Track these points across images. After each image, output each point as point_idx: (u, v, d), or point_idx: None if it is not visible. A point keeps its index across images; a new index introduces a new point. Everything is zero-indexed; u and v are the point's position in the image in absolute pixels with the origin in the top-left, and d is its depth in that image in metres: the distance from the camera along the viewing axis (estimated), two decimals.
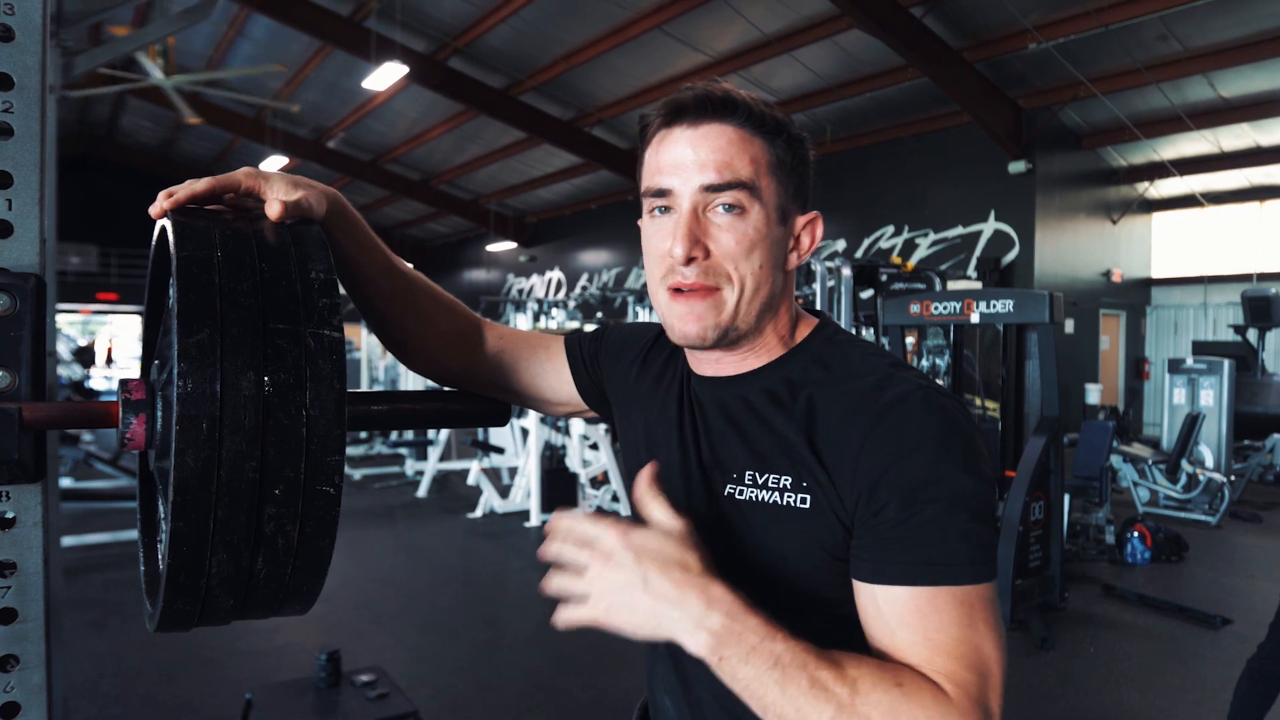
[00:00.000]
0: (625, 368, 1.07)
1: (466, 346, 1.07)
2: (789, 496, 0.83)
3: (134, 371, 24.47)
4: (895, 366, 0.85)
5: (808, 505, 0.82)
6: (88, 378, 11.40)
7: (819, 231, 0.92)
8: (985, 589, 0.74)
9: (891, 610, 0.75)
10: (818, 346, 0.91)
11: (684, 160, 0.84)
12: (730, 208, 0.84)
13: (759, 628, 0.70)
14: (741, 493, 0.86)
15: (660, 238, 0.87)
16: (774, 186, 0.86)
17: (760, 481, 0.85)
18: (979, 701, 0.70)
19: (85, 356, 11.44)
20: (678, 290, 0.86)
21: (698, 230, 0.84)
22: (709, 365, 0.94)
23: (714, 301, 0.85)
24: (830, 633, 0.81)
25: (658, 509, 0.77)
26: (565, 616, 0.76)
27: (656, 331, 1.07)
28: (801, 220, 0.91)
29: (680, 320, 0.87)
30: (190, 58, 13.34)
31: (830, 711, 0.67)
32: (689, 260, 0.84)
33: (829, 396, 0.85)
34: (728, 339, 0.88)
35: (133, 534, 5.92)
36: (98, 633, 4.26)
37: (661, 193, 0.86)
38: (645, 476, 0.79)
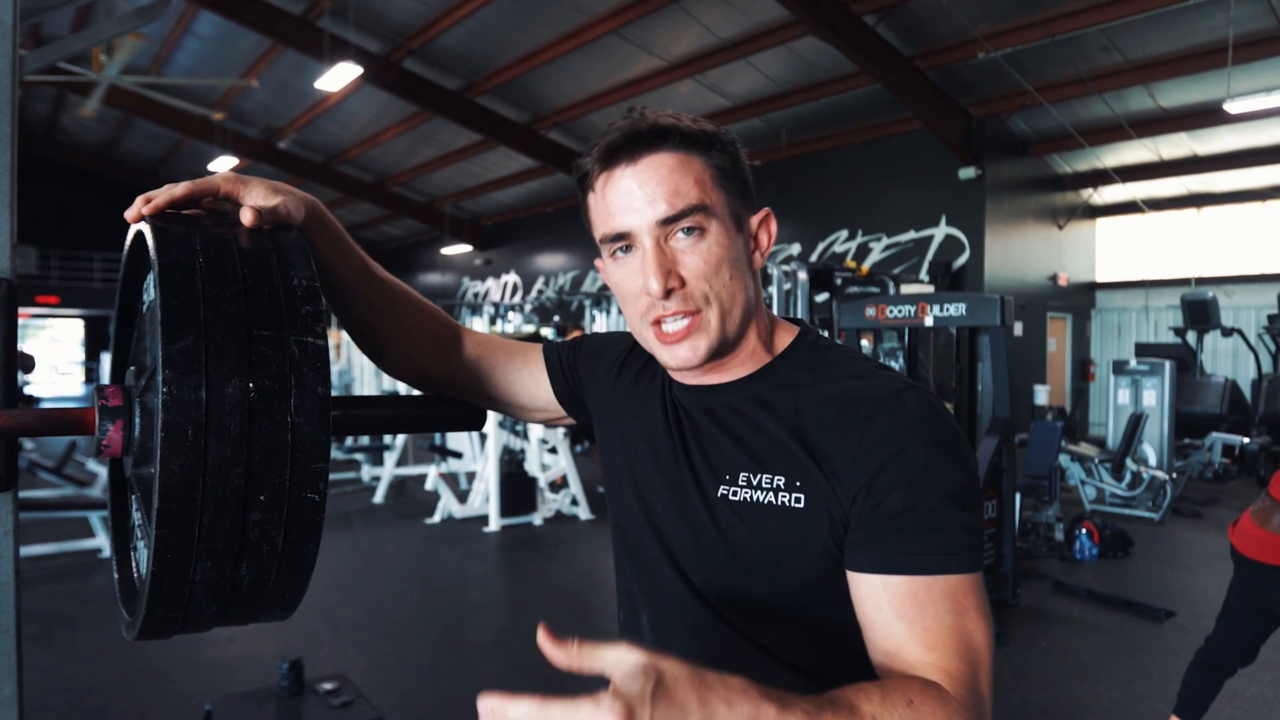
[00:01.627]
0: (603, 375, 1.08)
1: (444, 352, 1.08)
2: (783, 496, 0.83)
3: (77, 377, 23.68)
4: (880, 368, 0.88)
5: (802, 504, 0.82)
6: (27, 384, 11.05)
7: (773, 226, 0.94)
8: (976, 577, 0.77)
9: (890, 599, 0.76)
10: (801, 353, 0.92)
11: (633, 198, 0.84)
12: (690, 230, 0.84)
13: (781, 702, 0.63)
14: (735, 494, 0.86)
15: (631, 277, 0.87)
16: (723, 198, 0.87)
17: (755, 482, 0.85)
18: (973, 690, 0.72)
19: (25, 362, 11.11)
20: (661, 323, 0.87)
21: (666, 262, 0.84)
22: (694, 376, 0.94)
23: (699, 325, 0.86)
24: (823, 630, 0.84)
25: (606, 655, 0.65)
26: None
27: (632, 341, 1.07)
28: (755, 220, 0.92)
29: (672, 353, 0.88)
30: (135, 54, 13.01)
31: None
32: (667, 293, 0.85)
33: (818, 396, 0.86)
34: (720, 353, 0.89)
35: (78, 544, 5.77)
36: (43, 647, 4.13)
37: (620, 236, 0.86)
38: (546, 644, 0.67)
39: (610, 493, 1.05)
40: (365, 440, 9.23)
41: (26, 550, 5.58)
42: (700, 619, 0.89)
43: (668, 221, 0.84)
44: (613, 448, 1.04)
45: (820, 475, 0.82)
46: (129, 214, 0.79)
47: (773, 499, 0.84)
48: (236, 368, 0.68)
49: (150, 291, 0.82)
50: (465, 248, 19.73)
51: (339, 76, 10.50)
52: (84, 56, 10.31)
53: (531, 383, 1.12)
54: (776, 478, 0.84)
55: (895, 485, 0.77)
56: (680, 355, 0.87)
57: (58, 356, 23.21)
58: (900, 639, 0.75)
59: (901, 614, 0.75)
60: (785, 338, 0.94)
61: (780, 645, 0.86)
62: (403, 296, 1.05)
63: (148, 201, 0.79)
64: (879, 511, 0.78)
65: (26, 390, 10.74)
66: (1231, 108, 8.60)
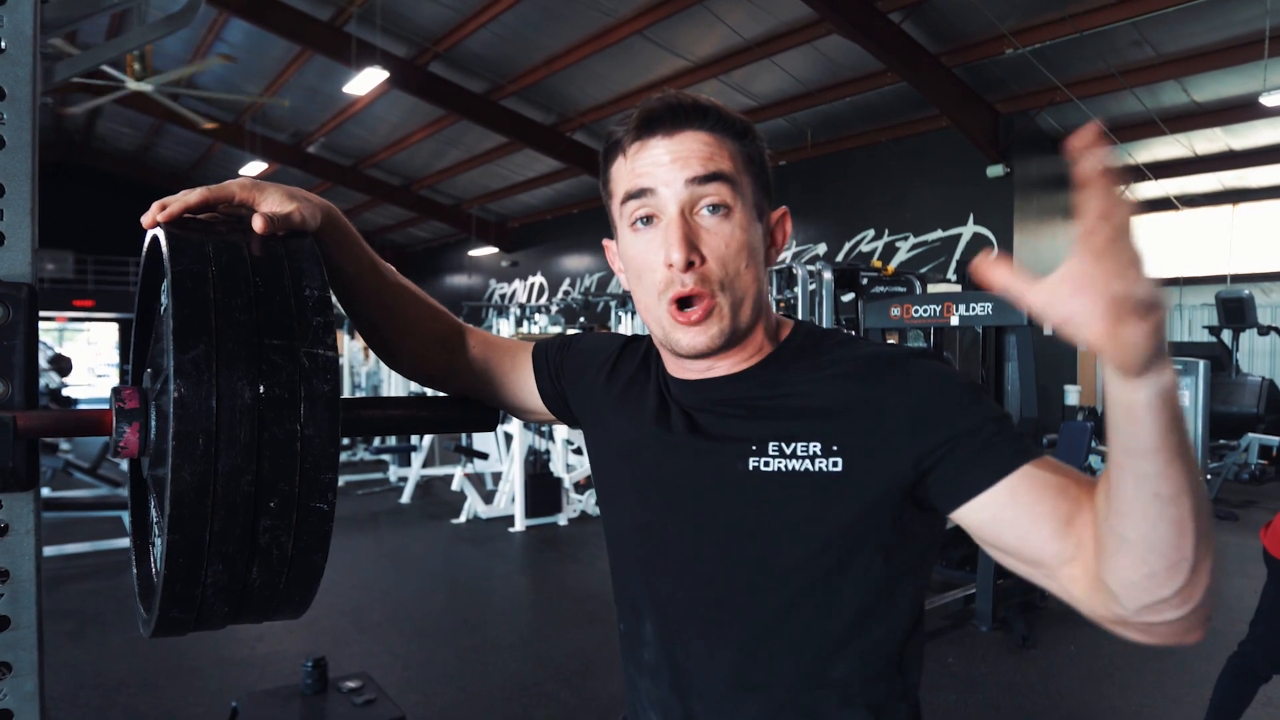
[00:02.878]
0: (591, 379, 1.06)
1: (446, 352, 1.09)
2: (820, 462, 0.82)
3: (112, 379, 24.14)
4: (880, 343, 0.91)
5: (840, 468, 0.81)
6: (64, 385, 11.26)
7: (789, 226, 0.95)
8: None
9: (1026, 491, 0.75)
10: (801, 340, 0.92)
11: (663, 163, 0.84)
12: (716, 208, 0.84)
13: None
14: (768, 464, 0.84)
15: (650, 250, 0.86)
16: (750, 184, 0.87)
17: (788, 451, 0.83)
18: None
19: (62, 364, 11.32)
20: (682, 302, 0.85)
21: (691, 235, 0.83)
22: (698, 370, 0.92)
23: (715, 310, 0.85)
24: (861, 596, 0.84)
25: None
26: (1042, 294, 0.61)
27: (622, 342, 1.07)
28: (774, 216, 0.93)
29: (688, 335, 0.86)
30: (167, 61, 13.24)
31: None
32: (688, 265, 0.83)
33: (836, 363, 0.86)
34: (733, 343, 0.88)
35: (111, 543, 5.87)
36: (76, 643, 4.21)
37: (642, 192, 0.85)
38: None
39: (606, 500, 1.03)
40: (393, 441, 9.33)
41: (61, 549, 5.70)
42: (716, 614, 0.88)
43: (697, 181, 0.83)
44: (609, 454, 1.02)
45: (860, 433, 0.81)
46: (145, 220, 0.81)
47: (809, 465, 0.82)
48: (247, 376, 0.69)
49: (166, 296, 0.83)
50: (492, 250, 19.83)
51: (366, 81, 10.62)
52: (118, 64, 10.50)
53: (520, 385, 1.11)
54: (812, 444, 0.83)
55: (963, 419, 0.78)
56: (695, 339, 0.85)
57: (94, 359, 23.66)
58: (1070, 503, 0.74)
59: (1042, 497, 0.75)
60: (784, 331, 0.95)
61: (797, 633, 0.84)
62: (410, 298, 1.06)
63: (163, 208, 0.80)
64: (964, 444, 0.77)
65: (64, 392, 10.95)
66: (1268, 101, 8.43)
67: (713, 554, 0.88)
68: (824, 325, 6.49)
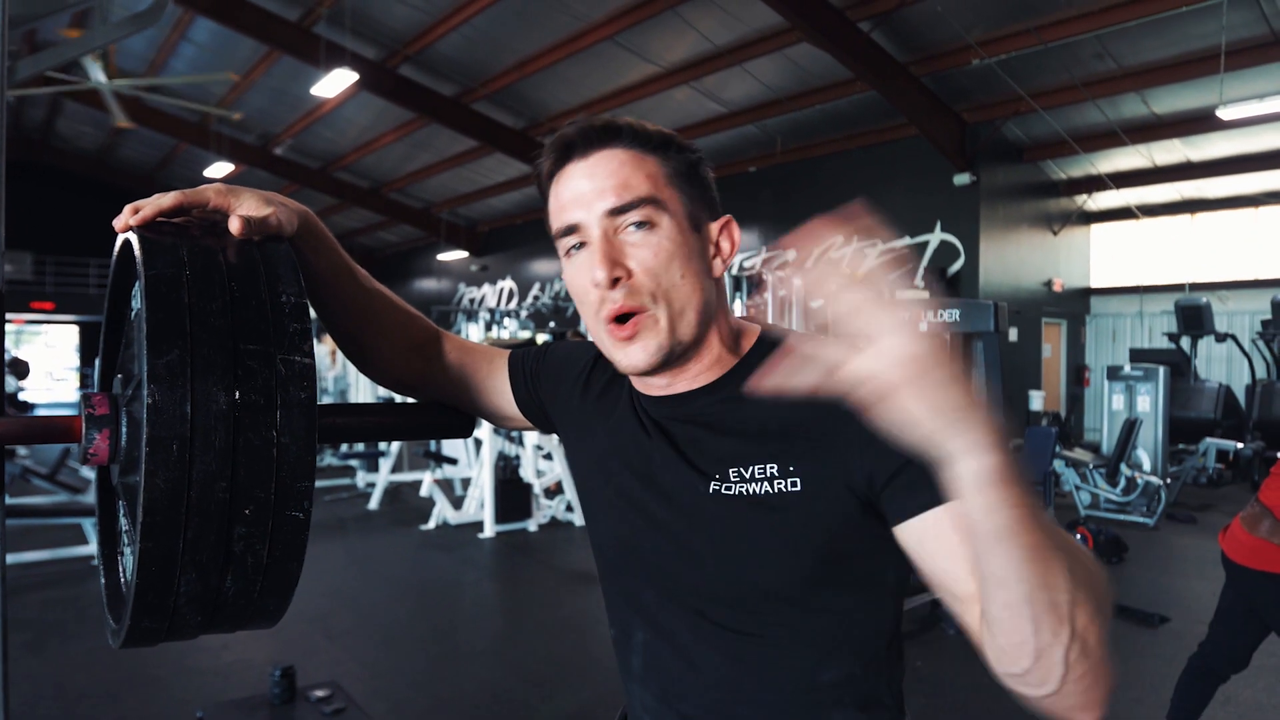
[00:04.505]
0: (568, 390, 1.06)
1: (423, 359, 1.08)
2: (779, 483, 0.82)
3: (72, 383, 23.60)
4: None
5: (799, 487, 0.81)
6: (21, 390, 11.00)
7: (736, 234, 0.93)
8: None
9: (951, 526, 0.74)
10: (765, 349, 0.91)
11: (582, 192, 0.85)
12: (640, 225, 0.84)
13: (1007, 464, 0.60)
14: (729, 488, 0.84)
15: (582, 273, 0.86)
16: (677, 196, 0.86)
17: (747, 475, 0.84)
18: None
19: (19, 368, 11.06)
20: (616, 320, 0.85)
21: (614, 253, 0.84)
22: (659, 387, 0.93)
23: (648, 322, 0.85)
24: (827, 618, 0.84)
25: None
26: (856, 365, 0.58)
27: (596, 353, 1.05)
28: (715, 226, 0.91)
29: (625, 353, 0.86)
30: (131, 60, 13.03)
31: (1067, 560, 0.64)
32: (614, 282, 0.84)
33: None
34: (674, 357, 0.87)
35: (71, 551, 5.75)
36: (35, 654, 4.12)
37: (571, 229, 0.86)
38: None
39: (587, 511, 1.03)
40: (360, 447, 9.23)
41: (19, 557, 5.56)
42: (701, 626, 0.88)
43: (615, 212, 0.84)
44: (587, 466, 1.02)
45: (815, 452, 0.81)
46: (117, 223, 0.79)
47: (769, 488, 0.82)
48: (222, 381, 0.68)
49: (137, 300, 0.82)
50: (461, 254, 19.73)
51: (335, 83, 10.50)
52: (77, 64, 10.30)
53: (497, 391, 1.11)
54: (769, 466, 0.83)
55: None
56: (632, 357, 0.85)
57: (52, 362, 23.14)
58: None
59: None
60: (748, 340, 0.93)
61: (784, 640, 0.85)
62: (385, 303, 1.05)
63: (136, 211, 0.79)
64: (909, 465, 0.75)
65: (20, 396, 10.70)
66: (1225, 114, 8.64)
67: (691, 572, 0.88)
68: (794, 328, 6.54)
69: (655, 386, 0.93)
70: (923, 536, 0.77)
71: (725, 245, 0.91)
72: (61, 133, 18.84)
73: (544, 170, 0.89)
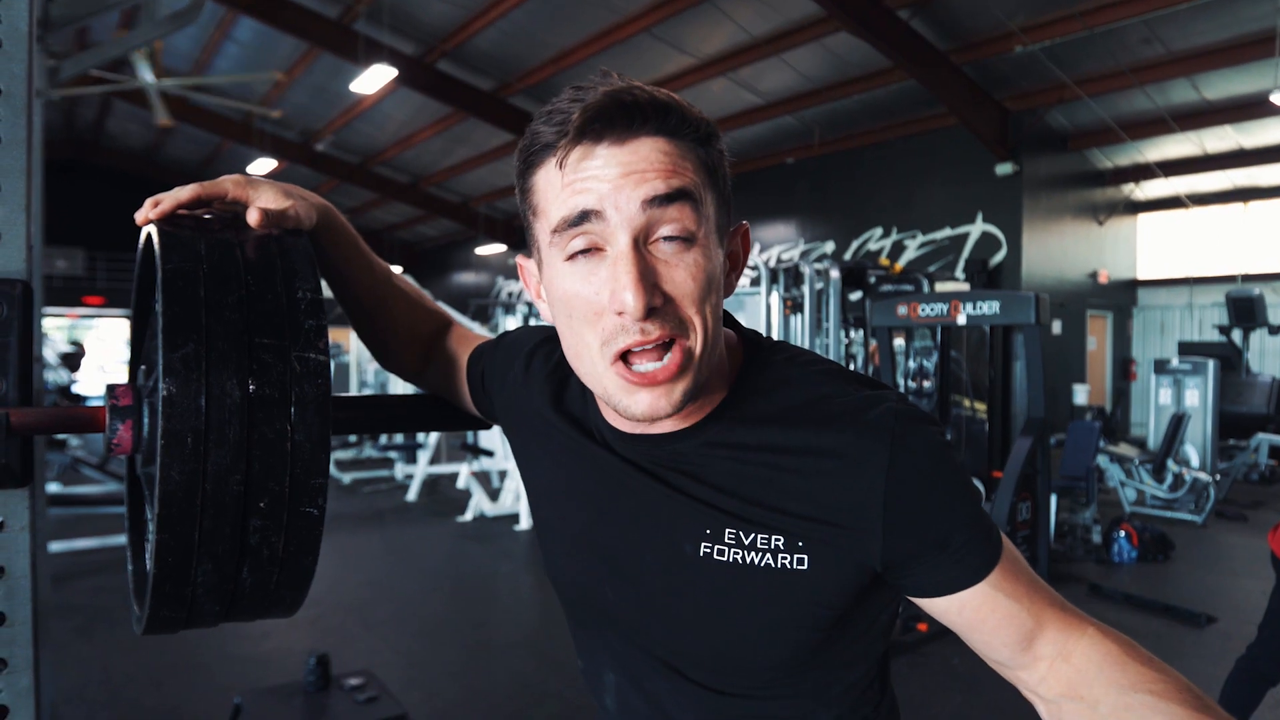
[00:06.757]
0: (516, 391, 0.92)
1: (425, 352, 1.07)
2: (783, 558, 0.71)
3: (120, 376, 24.24)
4: (847, 382, 0.74)
5: (805, 565, 0.71)
6: (74, 382, 11.32)
7: (750, 244, 0.80)
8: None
9: (979, 607, 0.72)
10: (755, 377, 0.77)
11: (610, 176, 0.66)
12: (672, 238, 0.67)
13: None
14: (722, 552, 0.73)
15: (592, 288, 0.68)
16: (714, 201, 0.70)
17: (746, 542, 0.72)
18: (1076, 614, 0.77)
19: (72, 361, 11.38)
20: (630, 356, 0.68)
21: (648, 271, 0.66)
22: (638, 425, 0.76)
23: (679, 359, 0.68)
24: (840, 655, 0.78)
25: None
26: None
27: (529, 349, 0.91)
28: (735, 236, 0.77)
29: (648, 398, 0.68)
30: (177, 59, 13.29)
31: None
32: (649, 312, 0.66)
33: (800, 434, 0.72)
34: (694, 400, 0.72)
35: (120, 539, 5.90)
36: (85, 638, 4.23)
37: (584, 217, 0.66)
38: None
39: (543, 542, 0.91)
40: (399, 438, 9.35)
41: (70, 544, 5.73)
42: (676, 685, 0.80)
43: (657, 203, 0.66)
44: (536, 488, 0.91)
45: (829, 533, 0.71)
46: (138, 217, 0.80)
47: (771, 561, 0.71)
48: (237, 375, 0.69)
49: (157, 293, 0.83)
50: (500, 247, 19.85)
51: (374, 79, 10.65)
52: (125, 62, 10.53)
53: (465, 386, 1.03)
54: (774, 538, 0.71)
55: (929, 527, 0.70)
56: (656, 405, 0.68)
57: (104, 355, 23.79)
58: (1031, 621, 0.73)
59: (1005, 607, 0.72)
60: (734, 359, 0.79)
61: (772, 697, 0.78)
62: (399, 296, 1.04)
63: (155, 205, 0.79)
64: (930, 553, 0.71)
65: (74, 389, 11.02)
66: (1279, 99, 8.37)
67: (665, 636, 0.79)
68: (830, 325, 6.47)
69: (637, 424, 0.76)
70: (954, 614, 0.74)
71: (741, 257, 0.78)
72: (111, 132, 19.31)
73: (555, 142, 0.68)
